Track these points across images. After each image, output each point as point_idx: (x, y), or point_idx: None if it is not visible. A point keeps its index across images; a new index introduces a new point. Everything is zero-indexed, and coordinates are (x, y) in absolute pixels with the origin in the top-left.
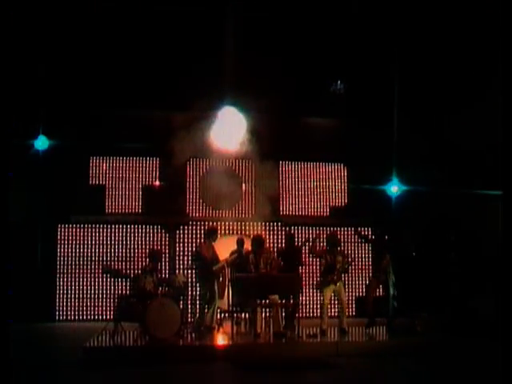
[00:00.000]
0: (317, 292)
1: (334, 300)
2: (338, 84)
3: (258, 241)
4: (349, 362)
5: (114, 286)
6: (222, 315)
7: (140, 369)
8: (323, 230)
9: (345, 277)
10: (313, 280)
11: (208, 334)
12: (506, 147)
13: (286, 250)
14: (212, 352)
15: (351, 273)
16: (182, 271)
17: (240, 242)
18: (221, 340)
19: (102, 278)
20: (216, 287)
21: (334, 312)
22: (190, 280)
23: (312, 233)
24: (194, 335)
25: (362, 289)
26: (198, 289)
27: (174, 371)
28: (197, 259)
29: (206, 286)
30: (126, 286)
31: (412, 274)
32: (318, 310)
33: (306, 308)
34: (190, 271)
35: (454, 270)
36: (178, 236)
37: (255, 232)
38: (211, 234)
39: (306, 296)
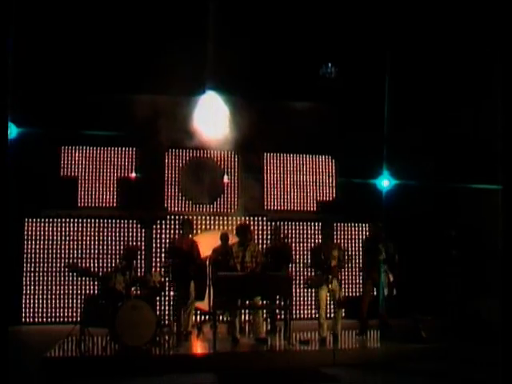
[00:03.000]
0: (310, 291)
1: (330, 300)
2: (329, 67)
3: (244, 230)
4: (347, 374)
5: (87, 286)
6: (203, 318)
7: (108, 382)
8: (310, 226)
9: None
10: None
11: (186, 340)
12: (506, 139)
13: (272, 246)
14: (192, 362)
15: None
16: (158, 269)
17: (224, 237)
18: (202, 348)
19: (73, 277)
20: (192, 287)
21: (330, 313)
22: (166, 279)
23: (298, 228)
24: (170, 342)
25: (355, 288)
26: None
27: None
28: (171, 256)
29: (181, 286)
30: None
31: (410, 273)
32: (309, 311)
33: (297, 309)
34: (165, 269)
35: (455, 268)
36: (155, 231)
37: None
38: (184, 225)
39: (297, 296)
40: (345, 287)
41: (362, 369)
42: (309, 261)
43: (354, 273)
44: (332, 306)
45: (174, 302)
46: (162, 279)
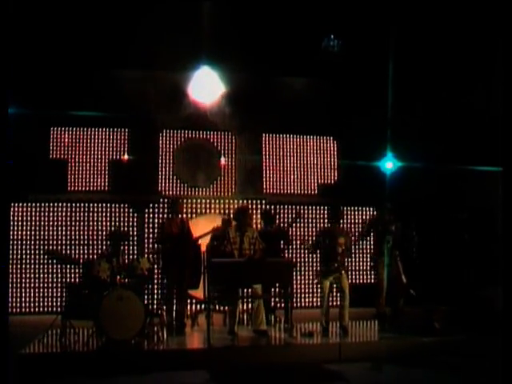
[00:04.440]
0: (312, 278)
1: (336, 291)
2: (331, 39)
3: (243, 213)
4: (355, 370)
5: (76, 275)
6: (198, 307)
7: (93, 381)
8: (311, 210)
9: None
10: (308, 266)
11: (179, 332)
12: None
13: (264, 230)
14: (185, 357)
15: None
16: (148, 256)
17: (226, 223)
18: (196, 341)
19: (62, 265)
20: (186, 273)
21: (335, 301)
22: (156, 266)
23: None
24: (161, 335)
25: (362, 275)
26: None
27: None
28: (161, 241)
29: (172, 272)
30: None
31: (421, 259)
32: (310, 299)
33: (297, 297)
34: (155, 256)
35: (467, 253)
36: (147, 216)
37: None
38: (172, 206)
39: (298, 283)
40: (353, 274)
41: (371, 364)
42: (313, 243)
43: (360, 259)
44: (338, 295)
45: (166, 291)
46: (152, 266)
